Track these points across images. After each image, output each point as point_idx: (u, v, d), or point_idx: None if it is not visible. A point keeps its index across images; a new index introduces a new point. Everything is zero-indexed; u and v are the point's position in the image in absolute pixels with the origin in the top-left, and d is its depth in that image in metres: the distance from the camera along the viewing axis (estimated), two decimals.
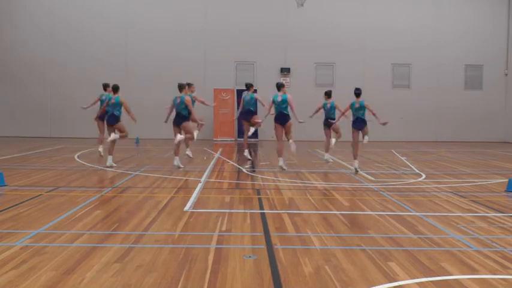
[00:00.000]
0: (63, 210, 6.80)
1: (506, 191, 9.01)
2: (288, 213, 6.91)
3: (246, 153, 14.15)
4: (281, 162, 11.44)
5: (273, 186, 9.25)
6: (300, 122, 11.49)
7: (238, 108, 14.90)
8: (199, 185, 9.09)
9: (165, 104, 12.93)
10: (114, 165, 11.61)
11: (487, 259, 4.85)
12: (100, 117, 13.13)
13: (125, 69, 22.15)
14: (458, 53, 23.49)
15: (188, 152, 12.61)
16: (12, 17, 22.70)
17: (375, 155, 15.35)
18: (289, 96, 11.35)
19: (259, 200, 7.91)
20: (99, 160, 12.80)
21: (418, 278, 4.29)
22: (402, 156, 15.50)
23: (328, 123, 13.16)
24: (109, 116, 11.71)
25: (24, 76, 22.59)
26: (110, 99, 11.73)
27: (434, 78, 23.57)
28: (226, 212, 6.93)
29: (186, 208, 7.04)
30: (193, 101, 12.52)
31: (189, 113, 11.66)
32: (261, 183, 9.65)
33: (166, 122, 12.18)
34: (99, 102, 13.44)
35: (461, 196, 8.45)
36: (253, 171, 11.37)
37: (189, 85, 12.78)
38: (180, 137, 11.40)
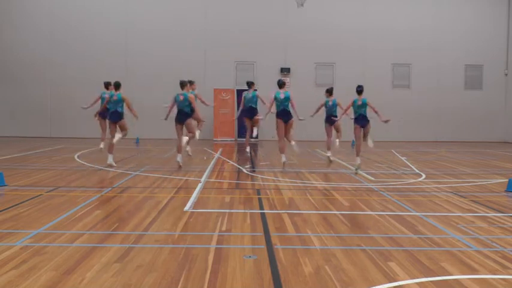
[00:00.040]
0: (63, 210, 6.80)
1: (506, 191, 9.01)
2: (288, 213, 6.91)
3: (248, 149, 14.10)
4: (284, 159, 11.49)
5: (273, 186, 9.25)
6: (300, 119, 11.56)
7: (238, 108, 14.87)
8: (199, 185, 9.09)
9: (165, 103, 12.91)
10: (114, 164, 11.61)
11: (487, 259, 4.85)
12: (101, 115, 13.13)
13: (125, 69, 22.15)
14: (458, 53, 23.49)
15: (188, 149, 12.63)
16: (12, 17, 22.70)
17: (375, 155, 15.34)
18: (291, 93, 11.45)
19: (259, 200, 7.91)
20: (99, 160, 12.80)
21: (418, 278, 4.29)
22: (402, 156, 15.50)
23: (331, 120, 13.17)
24: (112, 113, 11.69)
25: (24, 76, 22.59)
26: (111, 96, 11.73)
27: (434, 78, 23.57)
28: (226, 212, 6.93)
29: (186, 208, 7.04)
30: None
31: (192, 110, 11.68)
32: (261, 183, 9.65)
33: (166, 119, 12.16)
34: (100, 101, 13.44)
35: (461, 196, 8.45)
36: (253, 171, 11.37)
37: (191, 83, 12.79)
38: (185, 138, 11.51)
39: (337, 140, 13.47)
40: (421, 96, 23.37)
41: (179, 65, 21.82)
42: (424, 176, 10.98)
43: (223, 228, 5.98)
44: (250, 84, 13.72)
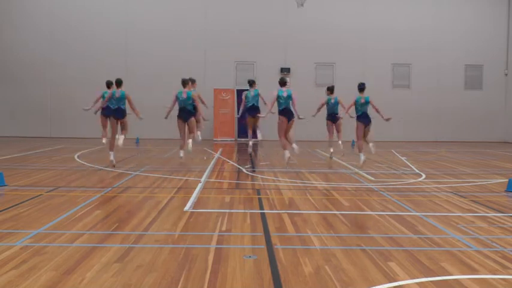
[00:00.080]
0: (63, 210, 6.80)
1: (506, 191, 9.01)
2: (288, 213, 6.91)
3: (251, 142, 14.03)
4: (288, 154, 11.57)
5: (273, 186, 9.25)
6: (300, 118, 11.59)
7: (238, 107, 14.80)
8: (199, 185, 9.08)
9: (165, 103, 12.88)
10: (114, 162, 11.61)
11: (487, 259, 4.85)
12: (103, 113, 13.09)
13: (125, 69, 22.13)
14: (458, 53, 23.49)
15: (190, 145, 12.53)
16: (12, 17, 22.70)
17: (374, 155, 15.30)
18: (293, 91, 11.51)
19: (259, 200, 7.91)
20: (99, 160, 12.81)
21: (418, 278, 4.29)
22: (402, 156, 15.50)
23: (333, 118, 13.20)
24: (115, 111, 11.69)
25: (24, 76, 22.59)
26: (114, 93, 11.73)
27: (434, 78, 23.57)
28: (226, 212, 6.93)
29: (186, 208, 7.04)
30: None
31: (195, 109, 11.70)
32: (261, 183, 9.65)
33: (166, 118, 12.12)
34: (101, 99, 13.44)
35: (461, 196, 8.45)
36: (253, 171, 11.37)
37: (192, 81, 12.79)
38: (190, 141, 11.56)
39: (340, 142, 13.51)
40: (421, 96, 23.37)
41: (179, 65, 21.79)
42: (424, 176, 10.98)
43: (223, 228, 5.98)
44: (252, 83, 13.72)
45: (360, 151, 11.55)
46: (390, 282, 4.19)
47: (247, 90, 13.89)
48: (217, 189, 8.93)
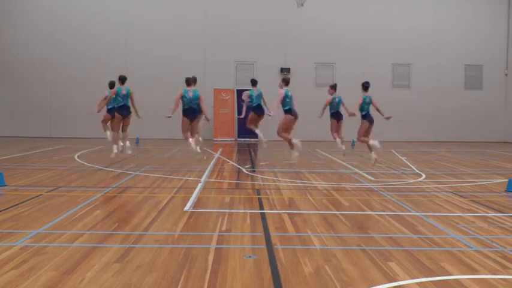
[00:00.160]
0: (63, 210, 6.80)
1: (506, 191, 9.01)
2: (288, 213, 6.91)
3: (261, 134, 13.72)
4: (297, 153, 11.63)
5: (273, 186, 9.25)
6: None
7: (241, 108, 14.61)
8: (199, 185, 9.08)
9: (168, 105, 12.83)
10: (115, 151, 11.90)
11: (487, 259, 4.85)
12: (110, 112, 13.05)
13: (125, 69, 22.06)
14: (458, 53, 23.50)
15: (197, 148, 12.41)
16: (12, 17, 22.71)
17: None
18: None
19: (259, 200, 7.91)
20: (99, 160, 12.81)
21: (418, 278, 4.29)
22: (402, 156, 15.50)
23: (338, 116, 13.19)
24: (122, 108, 11.73)
25: (24, 76, 22.61)
26: (120, 91, 11.74)
27: (434, 78, 23.58)
28: (226, 212, 6.93)
29: (186, 208, 7.04)
30: None
31: (200, 109, 11.70)
32: (261, 183, 9.65)
33: (170, 117, 11.90)
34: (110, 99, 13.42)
35: (461, 196, 8.45)
36: (253, 171, 11.37)
37: (194, 80, 12.76)
38: (194, 143, 11.57)
39: (342, 145, 13.52)
40: (421, 96, 23.38)
41: (179, 65, 21.81)
42: (424, 176, 10.98)
43: (223, 228, 5.97)
44: (255, 83, 13.67)
45: (370, 150, 11.64)
46: (390, 282, 4.19)
47: (247, 90, 13.83)
48: (217, 189, 8.93)
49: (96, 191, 8.40)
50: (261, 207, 7.27)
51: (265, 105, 13.30)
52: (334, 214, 6.89)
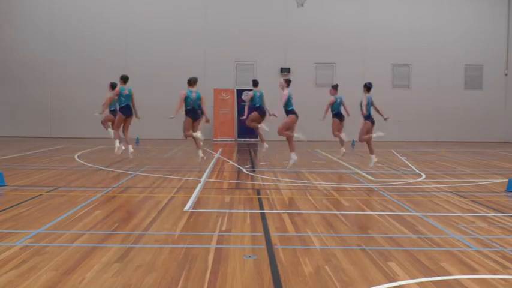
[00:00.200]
0: (63, 210, 6.80)
1: (506, 191, 9.02)
2: (288, 213, 6.91)
3: (263, 125, 13.64)
4: (296, 157, 11.61)
5: (273, 186, 9.25)
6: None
7: (243, 108, 14.52)
8: (199, 185, 9.08)
9: (169, 105, 12.82)
10: (118, 145, 12.04)
11: (487, 259, 4.85)
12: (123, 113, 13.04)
13: (125, 69, 22.03)
14: (458, 53, 23.50)
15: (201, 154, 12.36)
16: (12, 17, 22.71)
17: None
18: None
19: (259, 200, 7.91)
20: (99, 160, 12.81)
21: (418, 278, 4.29)
22: (402, 156, 15.51)
23: (341, 116, 13.19)
24: (125, 108, 11.75)
25: (24, 76, 22.61)
26: (123, 91, 11.74)
27: (434, 78, 23.58)
28: (226, 212, 6.93)
29: (186, 208, 7.04)
30: None
31: (201, 110, 11.75)
32: (261, 183, 9.65)
33: (173, 117, 11.83)
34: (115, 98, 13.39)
35: (461, 196, 8.45)
36: (253, 171, 11.37)
37: (196, 81, 12.74)
38: (198, 132, 11.63)
39: (343, 148, 13.52)
40: (421, 96, 23.38)
41: (179, 65, 21.82)
42: (424, 176, 10.98)
43: (223, 228, 5.98)
44: (257, 83, 13.65)
45: (371, 152, 11.71)
46: (390, 282, 4.19)
47: (247, 90, 13.81)
48: (217, 189, 8.93)
49: (96, 191, 8.40)
50: (261, 207, 7.27)
51: (265, 106, 13.30)
52: (334, 214, 6.90)
